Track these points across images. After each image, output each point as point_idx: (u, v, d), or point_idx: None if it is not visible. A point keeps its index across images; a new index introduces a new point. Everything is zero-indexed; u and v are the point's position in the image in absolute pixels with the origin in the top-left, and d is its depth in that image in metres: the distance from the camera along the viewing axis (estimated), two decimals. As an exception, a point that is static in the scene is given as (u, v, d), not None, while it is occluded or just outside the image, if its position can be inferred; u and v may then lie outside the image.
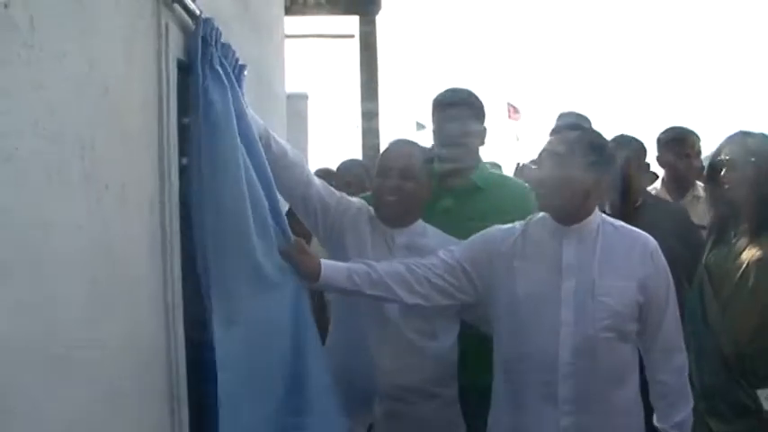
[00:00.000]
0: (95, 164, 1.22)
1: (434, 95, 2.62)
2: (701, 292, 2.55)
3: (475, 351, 2.28)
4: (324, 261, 2.12)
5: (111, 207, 1.30)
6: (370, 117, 7.00)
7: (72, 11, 1.17)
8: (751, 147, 2.50)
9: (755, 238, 2.45)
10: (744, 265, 2.40)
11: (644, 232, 2.13)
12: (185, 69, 1.84)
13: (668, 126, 3.51)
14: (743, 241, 2.48)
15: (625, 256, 2.06)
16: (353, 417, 2.28)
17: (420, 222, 2.36)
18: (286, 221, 2.20)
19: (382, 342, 2.25)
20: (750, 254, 2.42)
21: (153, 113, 1.61)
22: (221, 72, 1.86)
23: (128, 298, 1.40)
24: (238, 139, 1.89)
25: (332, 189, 2.38)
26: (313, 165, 7.57)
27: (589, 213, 2.08)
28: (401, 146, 2.43)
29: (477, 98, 2.61)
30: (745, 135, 2.64)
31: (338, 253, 2.29)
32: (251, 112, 2.05)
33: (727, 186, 2.52)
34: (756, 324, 2.38)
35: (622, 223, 2.15)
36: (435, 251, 2.21)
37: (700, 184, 3.40)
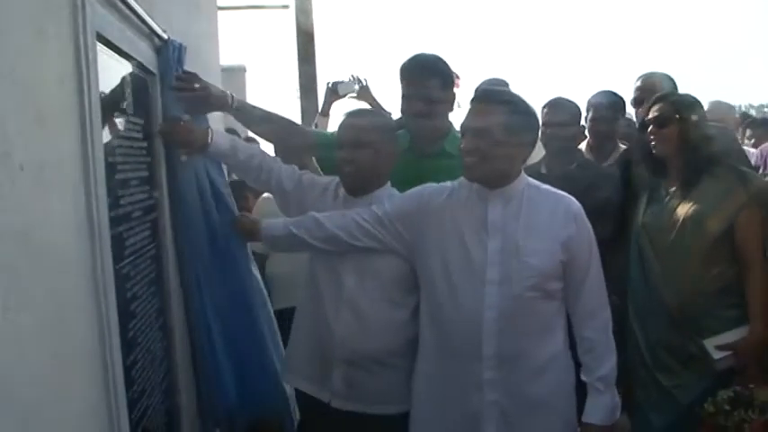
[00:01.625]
0: (7, 144, 1.16)
1: (401, 62, 2.61)
2: (640, 251, 2.62)
3: None
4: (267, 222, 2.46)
5: (28, 190, 1.24)
6: (308, 86, 6.96)
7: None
8: (677, 105, 2.58)
9: (686, 195, 2.53)
10: (679, 221, 2.48)
11: (567, 195, 2.19)
12: (111, 46, 1.85)
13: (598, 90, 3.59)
14: (675, 199, 2.56)
15: (549, 217, 2.12)
16: (316, 382, 2.36)
17: (386, 190, 2.40)
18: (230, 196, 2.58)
19: (338, 308, 2.29)
20: (683, 209, 2.49)
21: (73, 90, 1.53)
22: None
23: (52, 282, 1.34)
24: None
25: (295, 172, 2.51)
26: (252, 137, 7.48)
27: (514, 177, 2.14)
28: (353, 117, 2.46)
29: (444, 64, 2.61)
30: (671, 94, 2.71)
31: None
32: (219, 129, 2.51)
33: (653, 144, 2.59)
34: (695, 275, 2.47)
35: (547, 186, 2.21)
36: None
37: (622, 146, 3.51)
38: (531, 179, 2.20)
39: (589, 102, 3.53)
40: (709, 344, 2.47)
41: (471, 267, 2.10)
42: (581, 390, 2.22)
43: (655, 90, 3.03)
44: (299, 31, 7.03)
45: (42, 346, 1.27)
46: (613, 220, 2.71)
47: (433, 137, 2.61)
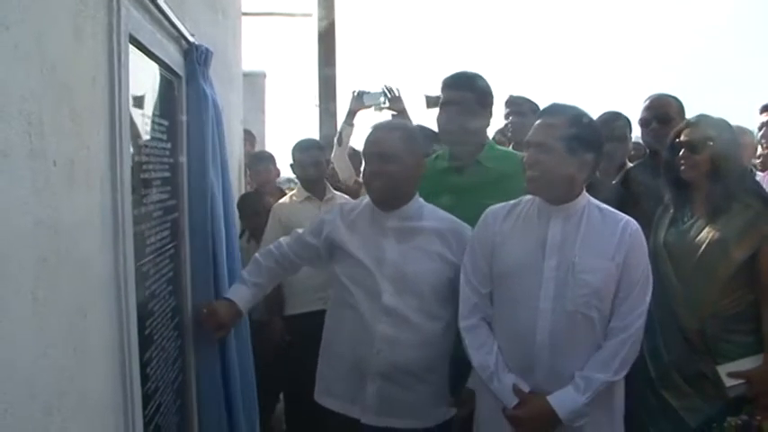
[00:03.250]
0: (42, 141, 1.19)
1: (443, 77, 2.71)
2: (658, 269, 2.61)
3: None
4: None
5: (60, 185, 1.27)
6: (328, 97, 7.00)
7: (17, -18, 1.13)
8: (709, 131, 2.57)
9: (713, 220, 2.53)
10: (704, 245, 2.48)
11: (627, 216, 2.20)
12: (142, 48, 1.89)
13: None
14: (701, 222, 2.56)
15: (607, 237, 2.13)
16: (347, 399, 2.35)
17: (415, 204, 2.41)
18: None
19: (377, 320, 2.29)
20: (708, 234, 2.49)
21: (104, 90, 1.57)
22: (204, 85, 2.42)
23: (77, 277, 1.37)
24: (217, 143, 2.52)
25: (303, 236, 2.55)
26: (269, 144, 7.52)
27: (576, 195, 2.16)
28: (379, 130, 2.47)
29: (483, 81, 2.69)
30: (704, 118, 2.71)
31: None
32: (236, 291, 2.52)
33: (683, 168, 2.59)
34: (716, 300, 2.46)
35: (606, 206, 2.22)
36: (430, 233, 2.35)
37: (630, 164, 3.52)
38: (592, 198, 2.21)
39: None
40: (722, 370, 2.46)
41: (528, 283, 2.12)
42: (629, 417, 2.23)
43: (666, 111, 3.05)
44: (320, 36, 7.07)
45: (65, 339, 1.30)
46: None
47: (468, 150, 2.67)
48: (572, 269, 2.08)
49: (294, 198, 3.83)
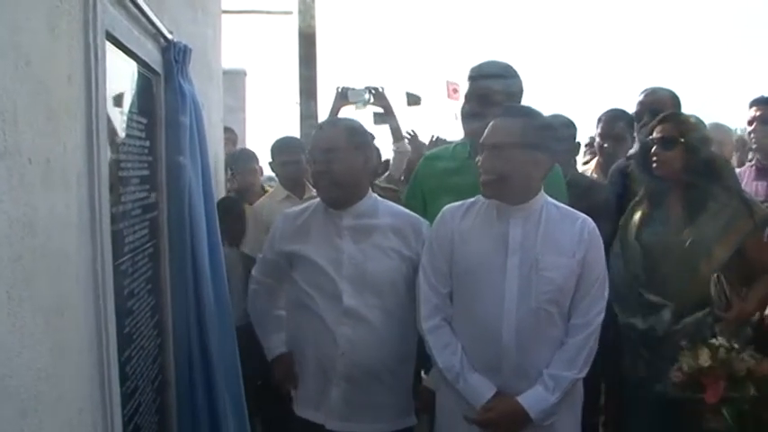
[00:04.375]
0: (17, 138, 1.17)
1: (470, 67, 2.63)
2: (629, 264, 2.62)
3: None
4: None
5: (35, 183, 1.26)
6: (308, 95, 6.99)
7: (-10, -23, 1.12)
8: (681, 127, 2.59)
9: (691, 219, 2.55)
10: (685, 245, 2.50)
11: (583, 214, 2.22)
12: (119, 45, 1.88)
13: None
14: (679, 222, 2.57)
15: (567, 234, 2.14)
16: (311, 405, 2.34)
17: (369, 200, 2.38)
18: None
19: (339, 322, 2.26)
20: (689, 235, 2.51)
21: (80, 87, 1.55)
22: (182, 83, 2.39)
23: (54, 276, 1.36)
24: (197, 141, 2.49)
25: (266, 260, 2.51)
26: (250, 141, 7.49)
27: (534, 194, 2.16)
28: (325, 129, 2.45)
29: (510, 70, 2.62)
30: (676, 115, 2.73)
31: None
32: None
33: (656, 165, 2.60)
34: (697, 299, 2.49)
35: (563, 205, 2.24)
36: (386, 230, 2.31)
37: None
38: (548, 197, 2.22)
39: (599, 119, 3.55)
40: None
41: (490, 282, 2.12)
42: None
43: (658, 106, 3.04)
44: (301, 34, 7.05)
45: (42, 339, 1.29)
46: (609, 223, 2.70)
47: None
48: (535, 267, 2.10)
49: (273, 197, 3.78)
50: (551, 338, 2.13)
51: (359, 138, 2.36)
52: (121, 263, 1.87)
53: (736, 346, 2.28)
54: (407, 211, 2.44)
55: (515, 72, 2.62)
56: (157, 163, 2.32)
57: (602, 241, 2.20)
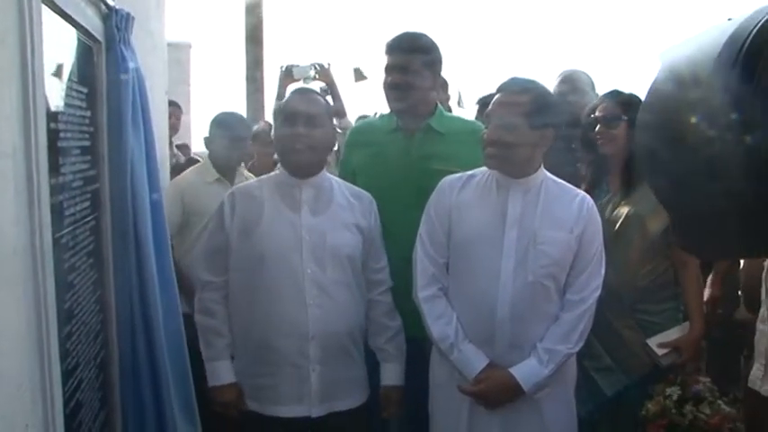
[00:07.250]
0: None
1: (388, 39, 2.60)
2: None
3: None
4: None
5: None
6: (254, 69, 6.90)
7: None
8: (624, 104, 2.66)
9: (627, 195, 2.61)
10: (620, 220, 2.57)
11: (581, 191, 2.28)
12: (57, 10, 1.80)
13: None
14: (616, 198, 2.64)
15: (565, 210, 2.17)
16: (293, 400, 2.29)
17: (325, 175, 2.39)
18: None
19: (306, 303, 2.26)
20: (626, 208, 2.58)
21: (14, 51, 1.48)
22: (125, 52, 2.30)
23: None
24: (139, 112, 2.39)
25: (214, 253, 2.40)
26: (195, 116, 7.35)
27: (536, 169, 2.19)
28: (305, 94, 2.45)
29: (428, 41, 2.59)
30: (617, 94, 2.79)
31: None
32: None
33: (600, 142, 2.67)
34: (634, 269, 2.57)
35: (562, 181, 2.27)
36: (343, 203, 2.34)
37: None
38: (548, 173, 2.24)
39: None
40: (653, 342, 2.57)
41: (487, 254, 2.14)
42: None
43: (575, 86, 3.16)
44: (248, 7, 6.93)
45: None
46: None
47: (415, 113, 2.59)
48: (533, 241, 2.12)
49: (201, 176, 3.48)
50: (546, 313, 2.16)
51: (331, 109, 2.43)
52: (61, 236, 1.81)
53: (716, 395, 2.38)
54: (350, 184, 2.47)
55: (432, 41, 2.61)
56: (99, 134, 2.24)
57: (599, 219, 2.24)
